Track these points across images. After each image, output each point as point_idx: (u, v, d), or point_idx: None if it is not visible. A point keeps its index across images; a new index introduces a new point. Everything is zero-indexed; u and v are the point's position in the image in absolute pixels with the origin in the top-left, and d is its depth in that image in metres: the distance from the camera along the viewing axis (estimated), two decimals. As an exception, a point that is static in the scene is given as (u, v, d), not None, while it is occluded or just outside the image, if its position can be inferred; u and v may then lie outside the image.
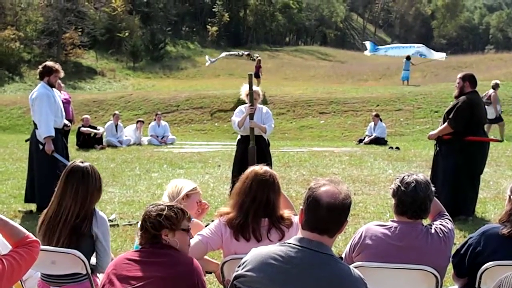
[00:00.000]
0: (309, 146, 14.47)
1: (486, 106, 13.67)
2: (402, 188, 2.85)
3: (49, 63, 6.79)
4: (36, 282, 3.25)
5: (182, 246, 2.62)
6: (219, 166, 10.40)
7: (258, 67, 24.12)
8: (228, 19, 64.78)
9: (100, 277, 3.22)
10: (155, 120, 15.96)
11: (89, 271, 3.04)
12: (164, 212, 2.58)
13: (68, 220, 3.11)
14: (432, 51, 31.74)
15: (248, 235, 2.99)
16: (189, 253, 2.68)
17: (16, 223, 2.48)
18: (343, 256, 3.09)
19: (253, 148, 6.74)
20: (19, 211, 6.77)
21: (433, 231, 2.88)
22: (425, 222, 2.99)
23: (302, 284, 2.08)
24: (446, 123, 6.33)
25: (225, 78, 39.49)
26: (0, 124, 21.24)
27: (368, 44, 34.04)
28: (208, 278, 3.12)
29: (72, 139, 12.09)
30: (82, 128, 14.05)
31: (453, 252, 3.05)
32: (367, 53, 32.99)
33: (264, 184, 3.05)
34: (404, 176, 2.91)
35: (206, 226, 3.28)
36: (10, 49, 38.14)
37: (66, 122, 7.08)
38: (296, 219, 3.01)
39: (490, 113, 14.10)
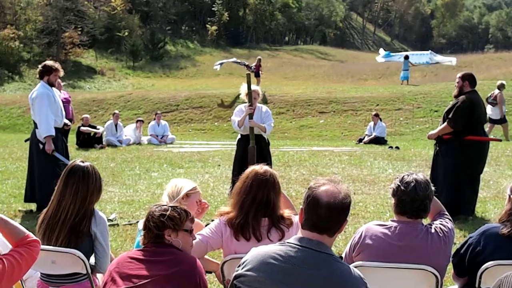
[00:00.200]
0: (309, 145, 14.46)
1: (492, 107, 13.86)
2: (402, 188, 2.85)
3: (48, 62, 6.78)
4: (36, 282, 3.25)
5: (184, 247, 2.63)
6: (219, 165, 10.40)
7: (258, 66, 24.10)
8: (227, 19, 64.78)
9: (99, 278, 3.22)
10: (154, 119, 15.94)
11: (89, 271, 3.04)
12: (168, 213, 2.59)
13: (67, 219, 3.10)
14: (442, 56, 32.41)
15: (248, 234, 2.99)
16: (190, 253, 2.68)
17: (16, 223, 2.48)
18: (343, 255, 3.10)
19: (253, 148, 6.74)
20: (19, 210, 6.77)
21: (433, 230, 2.88)
22: (425, 221, 2.99)
23: (302, 283, 2.08)
24: (445, 123, 6.33)
25: (224, 77, 39.50)
26: (0, 123, 21.29)
27: (381, 50, 34.52)
28: (208, 277, 3.11)
29: (71, 138, 12.07)
30: (82, 128, 14.04)
31: (453, 251, 3.05)
32: (379, 58, 33.24)
33: (264, 183, 3.05)
34: (403, 176, 2.91)
35: (206, 225, 3.28)
36: (10, 48, 38.18)
37: (66, 121, 7.07)
38: (296, 218, 3.01)
39: (496, 113, 14.04)
